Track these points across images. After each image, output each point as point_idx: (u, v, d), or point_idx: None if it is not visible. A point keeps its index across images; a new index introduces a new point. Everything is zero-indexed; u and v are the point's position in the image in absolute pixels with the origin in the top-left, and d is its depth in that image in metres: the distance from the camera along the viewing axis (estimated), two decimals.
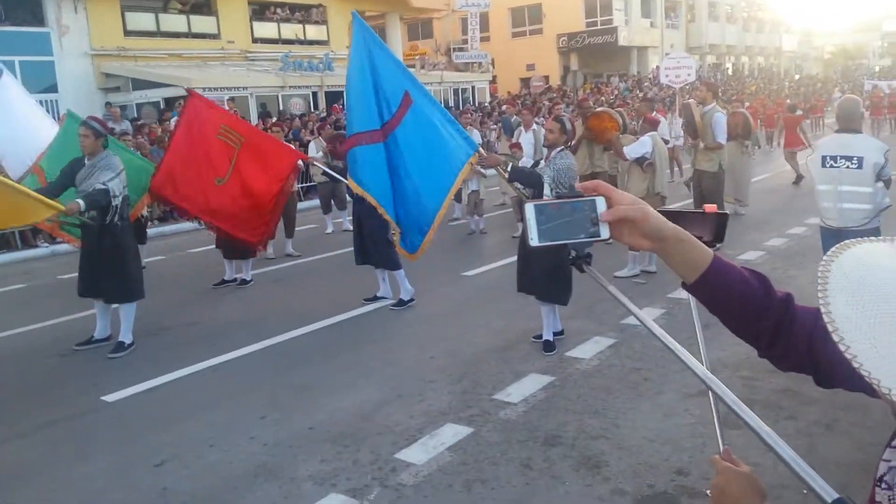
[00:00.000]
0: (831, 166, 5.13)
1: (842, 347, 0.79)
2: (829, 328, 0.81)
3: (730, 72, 46.97)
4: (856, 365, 0.78)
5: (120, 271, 6.20)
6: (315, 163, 8.62)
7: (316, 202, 15.43)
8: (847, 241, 0.91)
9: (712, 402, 1.28)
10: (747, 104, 16.25)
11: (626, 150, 8.08)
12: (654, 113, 10.83)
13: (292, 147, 8.81)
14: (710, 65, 44.34)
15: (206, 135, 7.36)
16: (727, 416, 4.29)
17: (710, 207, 1.30)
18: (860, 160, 5.02)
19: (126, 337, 6.30)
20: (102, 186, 5.94)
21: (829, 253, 0.90)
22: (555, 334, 5.90)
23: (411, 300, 7.23)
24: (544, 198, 5.56)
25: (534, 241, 1.14)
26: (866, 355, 0.78)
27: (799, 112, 17.90)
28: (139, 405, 5.19)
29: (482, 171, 11.14)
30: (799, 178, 14.38)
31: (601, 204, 1.13)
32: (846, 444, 3.99)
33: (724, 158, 9.38)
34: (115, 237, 6.17)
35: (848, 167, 5.05)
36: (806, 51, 63.83)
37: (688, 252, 1.15)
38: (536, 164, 6.12)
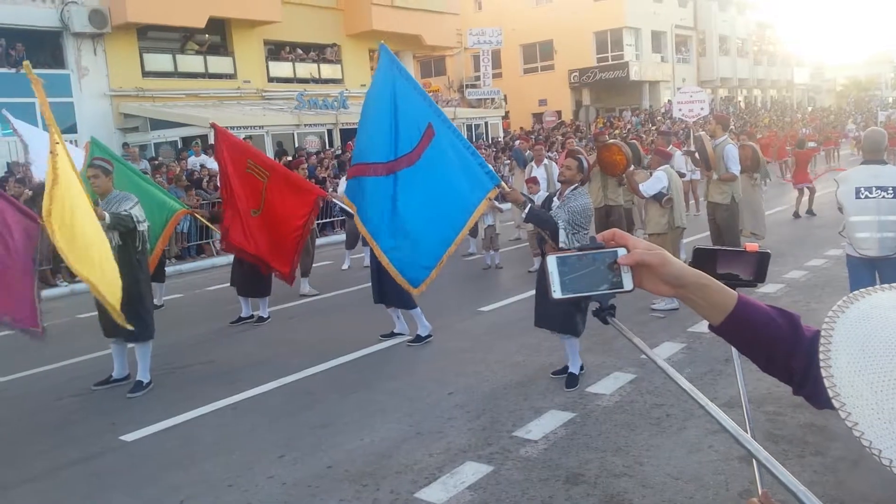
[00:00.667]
0: (867, 197, 5.15)
1: (842, 414, 0.75)
2: (830, 392, 0.78)
3: (742, 105, 47.11)
4: (856, 434, 0.74)
5: (134, 310, 6.14)
6: (334, 199, 8.65)
7: (329, 239, 15.54)
8: (857, 293, 0.88)
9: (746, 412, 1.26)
10: (759, 136, 16.18)
11: (641, 187, 8.05)
12: (671, 147, 10.85)
13: (313, 184, 8.88)
14: (723, 98, 44.50)
15: (238, 168, 7.54)
16: (747, 454, 4.23)
17: (752, 246, 1.29)
18: (895, 189, 5.09)
19: (144, 376, 6.31)
20: (125, 213, 6.00)
21: (836, 306, 0.87)
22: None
23: (429, 336, 7.20)
24: (560, 244, 5.57)
25: (556, 293, 1.13)
26: (868, 423, 0.74)
27: (811, 144, 17.80)
28: (157, 445, 5.17)
29: (498, 206, 11.20)
30: (797, 214, 14.42)
31: (623, 254, 1.14)
32: (873, 480, 3.89)
33: (737, 190, 9.35)
34: (133, 272, 6.17)
35: (884, 197, 5.09)
36: (818, 83, 64.00)
37: (711, 296, 1.14)
38: (550, 198, 6.07)
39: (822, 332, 0.84)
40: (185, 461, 4.80)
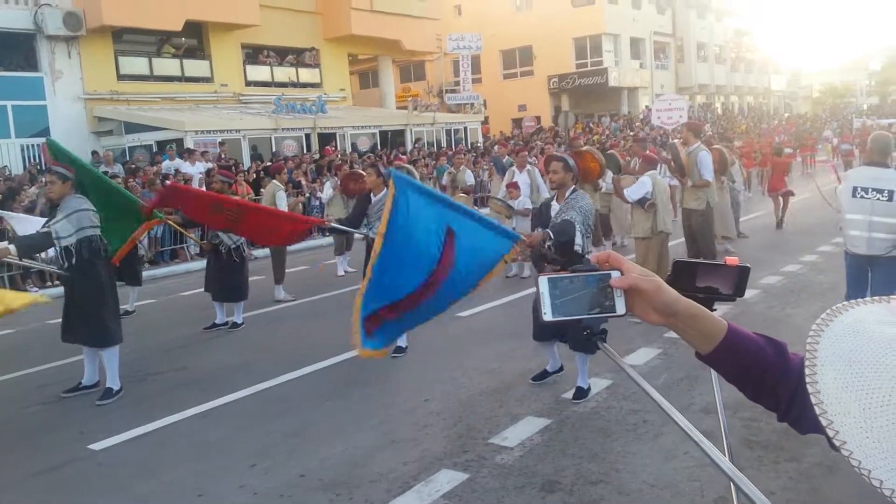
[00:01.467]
0: (862, 197, 5.25)
1: (830, 432, 0.73)
2: (817, 410, 0.75)
3: (719, 111, 47.55)
4: (845, 453, 0.71)
5: (94, 315, 6.06)
6: (329, 223, 8.22)
7: (306, 244, 15.41)
8: (840, 305, 0.86)
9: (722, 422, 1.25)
10: (738, 143, 16.25)
11: (626, 192, 8.11)
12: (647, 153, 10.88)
13: (300, 216, 8.72)
14: (700, 105, 44.89)
15: (203, 212, 7.44)
16: (740, 466, 4.20)
17: (732, 260, 1.26)
18: (891, 193, 5.17)
19: (113, 383, 6.18)
20: (45, 230, 5.89)
21: (819, 320, 0.84)
22: (553, 372, 5.80)
23: (406, 348, 7.11)
24: (576, 247, 5.33)
25: (547, 315, 1.11)
26: (856, 443, 0.71)
27: (788, 151, 17.86)
28: (127, 453, 5.06)
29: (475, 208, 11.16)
30: (779, 224, 13.93)
31: (616, 277, 1.11)
32: (848, 486, 3.89)
33: (712, 196, 9.41)
34: (87, 279, 6.03)
35: (879, 199, 5.18)
36: (795, 90, 64.80)
37: (701, 326, 1.12)
38: (546, 205, 5.88)
39: (808, 348, 0.81)
40: (155, 470, 4.70)
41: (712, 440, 1.42)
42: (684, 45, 44.53)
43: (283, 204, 10.40)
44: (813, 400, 0.75)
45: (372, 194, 7.12)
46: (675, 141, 10.45)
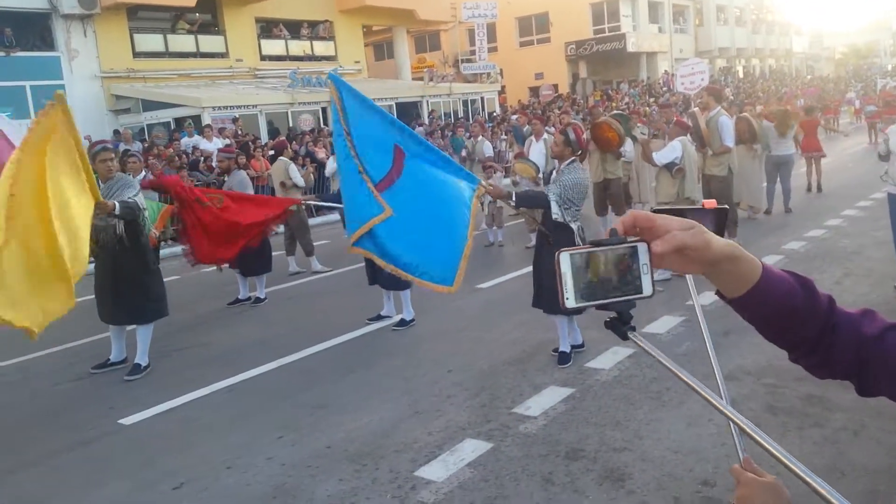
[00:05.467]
0: None
1: None
2: None
3: (741, 74, 46.77)
4: None
5: (146, 290, 6.24)
6: (306, 203, 8.54)
7: (326, 218, 15.47)
8: None
9: (721, 383, 1.18)
10: (759, 108, 15.96)
11: (655, 155, 8.01)
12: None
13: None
14: (721, 68, 44.18)
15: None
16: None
17: (710, 203, 1.21)
18: None
19: (142, 359, 6.29)
20: (131, 201, 5.94)
21: None
22: (574, 347, 5.82)
23: (412, 321, 7.12)
24: (554, 216, 5.45)
25: (570, 301, 0.97)
26: None
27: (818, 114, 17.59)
28: (156, 428, 5.15)
29: (500, 177, 11.10)
30: (818, 188, 13.76)
31: (643, 252, 0.98)
32: (875, 449, 3.89)
33: (733, 161, 9.29)
34: (143, 257, 6.23)
35: None
36: (817, 51, 63.51)
37: (740, 269, 1.02)
38: (551, 174, 6.02)
39: None
40: (184, 444, 4.79)
41: (736, 406, 1.41)
42: (703, 8, 43.69)
43: (297, 176, 10.56)
44: None
45: None
46: (695, 109, 10.32)
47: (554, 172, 5.85)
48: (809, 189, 13.75)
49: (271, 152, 17.20)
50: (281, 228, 13.42)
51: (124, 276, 6.12)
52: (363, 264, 7.55)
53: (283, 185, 10.44)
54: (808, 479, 0.87)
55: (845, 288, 6.99)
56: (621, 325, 1.01)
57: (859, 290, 6.89)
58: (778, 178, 11.57)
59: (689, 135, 8.98)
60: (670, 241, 0.97)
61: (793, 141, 11.97)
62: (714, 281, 1.05)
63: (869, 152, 18.55)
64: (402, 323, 7.10)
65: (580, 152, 5.72)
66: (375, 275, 7.09)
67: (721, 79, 38.61)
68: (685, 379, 1.00)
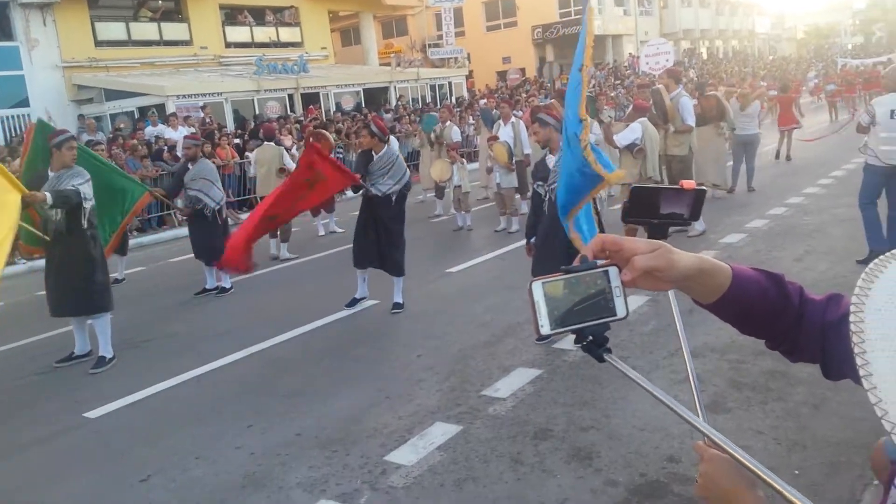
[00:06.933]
0: None
1: (887, 426, 0.67)
2: (871, 398, 0.69)
3: (705, 56, 47.16)
4: None
5: (89, 282, 6.11)
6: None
7: None
8: (872, 268, 0.79)
9: (694, 388, 1.19)
10: (723, 89, 16.22)
11: (616, 137, 8.14)
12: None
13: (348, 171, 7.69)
14: (685, 50, 44.49)
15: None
16: (712, 402, 4.25)
17: (689, 184, 1.21)
18: None
19: (106, 351, 6.21)
20: (73, 188, 5.87)
21: (858, 288, 0.78)
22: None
23: (402, 304, 7.13)
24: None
25: (544, 328, 0.99)
26: None
27: (773, 93, 17.99)
28: (123, 420, 5.10)
29: (464, 163, 11.11)
30: (787, 157, 14.81)
31: (614, 276, 1.00)
32: (835, 422, 3.97)
33: (693, 142, 9.40)
34: (84, 246, 6.10)
35: None
36: (779, 32, 64.26)
37: (710, 280, 1.06)
38: (541, 161, 5.87)
39: (852, 328, 0.75)
40: (151, 436, 4.74)
41: (702, 383, 1.44)
42: None
43: (290, 163, 10.60)
44: (871, 398, 0.70)
45: (373, 152, 7.08)
46: (659, 86, 10.38)
47: (549, 156, 5.74)
48: (778, 157, 14.74)
49: (237, 140, 17.05)
50: (244, 216, 13.40)
51: (67, 267, 6.04)
52: (331, 251, 7.54)
53: (281, 170, 10.35)
54: (772, 482, 0.89)
55: (807, 265, 7.12)
56: (596, 348, 1.03)
57: (820, 266, 7.02)
58: (743, 158, 11.75)
59: (653, 112, 9.08)
60: (637, 267, 1.00)
61: (757, 120, 12.16)
62: (687, 292, 1.08)
63: (828, 130, 18.84)
64: (399, 306, 7.06)
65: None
66: (382, 260, 7.04)
67: (685, 60, 38.88)
68: (661, 398, 1.02)
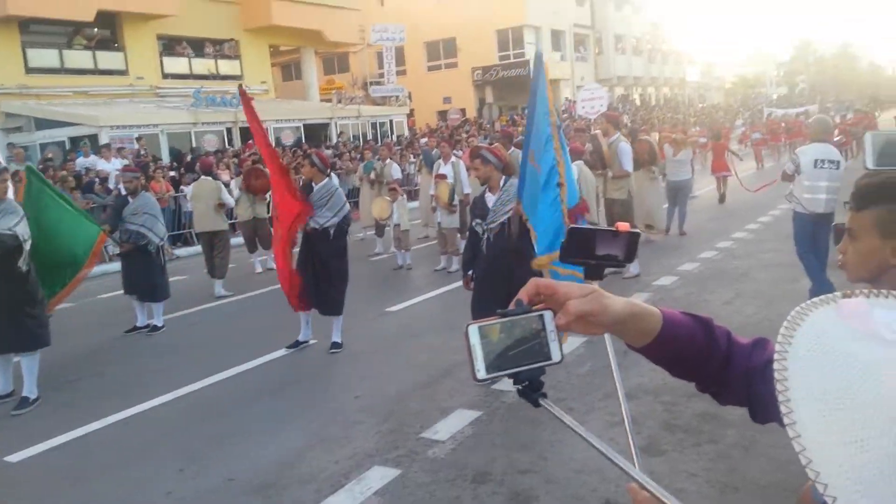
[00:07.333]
0: (821, 167, 6.64)
1: (819, 487, 0.68)
2: (801, 459, 0.70)
3: (637, 102, 48.71)
4: (827, 499, 0.66)
5: (28, 317, 5.93)
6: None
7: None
8: (796, 315, 0.80)
9: (628, 430, 1.21)
10: (656, 135, 16.85)
11: None
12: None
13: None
14: (619, 96, 45.88)
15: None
16: (646, 444, 4.32)
17: (623, 226, 1.25)
18: (838, 163, 6.75)
19: (31, 391, 5.95)
20: (9, 232, 5.67)
21: (781, 336, 0.79)
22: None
23: (341, 344, 7.05)
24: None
25: (480, 372, 0.99)
26: (840, 488, 0.66)
27: (703, 140, 18.81)
28: (46, 464, 4.88)
29: (404, 201, 11.14)
30: (722, 198, 15.90)
31: (549, 320, 1.01)
32: (765, 464, 4.08)
33: (632, 186, 9.68)
34: (25, 282, 5.94)
35: (831, 168, 6.66)
36: (708, 81, 66.91)
37: (642, 325, 1.09)
38: (481, 198, 5.85)
39: (776, 377, 0.75)
40: (77, 480, 4.55)
41: (637, 425, 1.47)
42: (603, 37, 45.42)
43: (229, 198, 10.55)
44: (795, 446, 0.71)
45: (313, 183, 7.04)
46: (597, 132, 10.68)
47: (488, 194, 5.76)
48: (722, 201, 15.87)
49: (172, 173, 16.75)
50: (182, 252, 13.20)
51: (3, 306, 5.81)
52: (267, 289, 7.43)
53: (220, 206, 10.20)
54: None
55: (735, 308, 7.35)
56: (532, 393, 1.02)
57: (748, 310, 7.26)
58: (676, 202, 12.14)
59: (589, 157, 9.31)
60: (571, 312, 1.01)
61: (689, 166, 12.61)
62: (619, 335, 1.10)
63: (757, 176, 19.63)
64: (337, 346, 6.97)
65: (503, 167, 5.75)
66: (321, 301, 6.93)
67: (619, 106, 40.09)
68: (596, 445, 1.03)
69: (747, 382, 1.11)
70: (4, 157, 16.37)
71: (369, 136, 27.48)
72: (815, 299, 0.83)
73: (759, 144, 25.35)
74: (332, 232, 6.89)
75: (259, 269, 11.75)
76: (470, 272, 5.84)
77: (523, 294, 1.03)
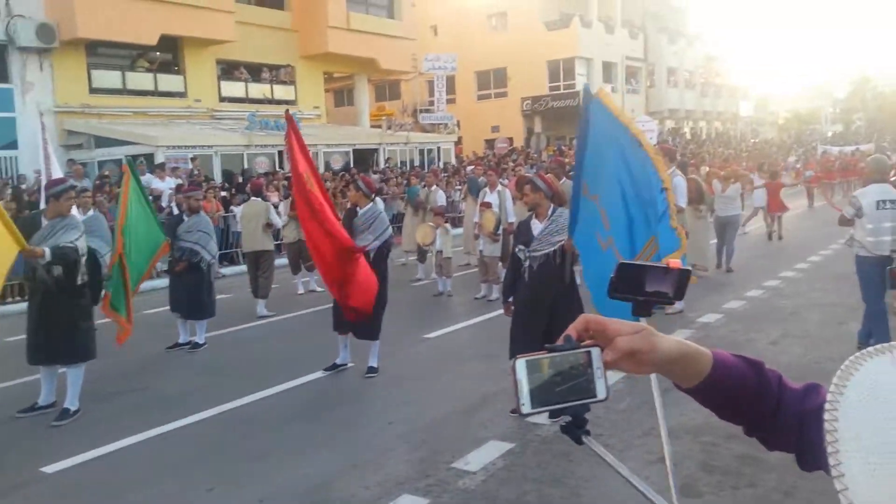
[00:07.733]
0: (884, 208, 6.45)
1: None
2: (842, 499, 0.68)
3: (688, 136, 48.19)
4: None
5: (77, 331, 6.08)
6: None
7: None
8: (851, 362, 0.78)
9: (669, 470, 1.18)
10: (706, 169, 16.65)
11: None
12: None
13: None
14: (669, 129, 45.48)
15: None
16: (684, 485, 4.19)
17: (675, 263, 1.22)
18: None
19: (72, 403, 6.07)
20: (70, 244, 5.83)
21: (833, 385, 0.77)
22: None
23: (377, 368, 7.03)
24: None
25: (525, 407, 0.99)
26: None
27: (782, 177, 18.67)
28: (81, 477, 4.95)
29: (447, 228, 11.17)
30: (778, 236, 15.75)
31: (597, 357, 1.00)
32: None
33: (685, 221, 9.51)
34: (77, 296, 6.11)
35: (894, 209, 6.43)
36: (762, 115, 65.89)
37: (691, 366, 1.07)
38: (526, 223, 5.81)
39: (826, 427, 0.73)
40: (109, 494, 4.61)
41: (676, 466, 1.42)
42: (655, 70, 45.17)
43: (277, 219, 10.84)
44: (837, 486, 0.69)
45: (357, 208, 7.11)
46: None
47: (534, 220, 5.71)
48: (770, 238, 15.71)
49: (223, 193, 17.09)
50: (227, 271, 13.41)
51: (57, 318, 5.95)
52: (308, 310, 7.49)
53: (268, 226, 10.45)
54: None
55: (782, 349, 7.14)
56: (576, 429, 1.02)
57: (795, 351, 7.05)
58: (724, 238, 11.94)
59: None
60: (620, 349, 1.00)
61: (739, 201, 12.40)
62: (667, 375, 1.08)
63: (809, 215, 19.22)
64: (374, 370, 6.96)
65: (552, 196, 5.73)
66: (354, 325, 6.84)
67: (669, 139, 39.71)
68: (638, 486, 1.02)
69: (798, 427, 1.08)
70: (64, 173, 16.94)
71: (416, 163, 27.69)
72: (870, 348, 0.81)
73: (810, 182, 24.82)
74: (371, 255, 6.91)
75: (301, 291, 11.87)
76: (510, 298, 5.80)
77: (572, 330, 1.03)
